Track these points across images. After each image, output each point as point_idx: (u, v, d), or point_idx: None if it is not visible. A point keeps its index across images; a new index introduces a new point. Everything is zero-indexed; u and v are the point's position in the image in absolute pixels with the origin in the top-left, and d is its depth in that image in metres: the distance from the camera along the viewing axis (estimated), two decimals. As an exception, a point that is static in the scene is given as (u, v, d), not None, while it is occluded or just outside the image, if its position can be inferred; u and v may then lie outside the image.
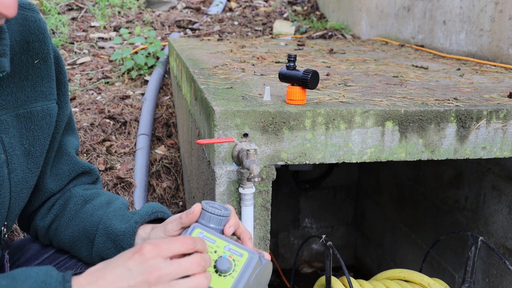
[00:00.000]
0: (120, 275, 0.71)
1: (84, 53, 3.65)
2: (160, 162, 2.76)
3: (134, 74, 3.36)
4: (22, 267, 0.73)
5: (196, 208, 0.86)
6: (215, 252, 0.81)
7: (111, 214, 1.02)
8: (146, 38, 3.73)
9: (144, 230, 0.98)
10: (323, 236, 1.53)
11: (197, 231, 0.84)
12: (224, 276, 0.79)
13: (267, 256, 0.85)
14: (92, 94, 3.15)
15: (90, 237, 1.02)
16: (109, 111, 2.96)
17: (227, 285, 0.78)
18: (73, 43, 3.77)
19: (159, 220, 1.03)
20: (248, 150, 1.23)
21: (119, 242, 0.98)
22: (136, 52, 3.54)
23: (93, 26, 4.11)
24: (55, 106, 1.01)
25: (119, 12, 4.45)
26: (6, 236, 0.99)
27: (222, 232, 0.86)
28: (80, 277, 0.72)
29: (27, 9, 0.96)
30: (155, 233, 0.93)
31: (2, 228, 0.97)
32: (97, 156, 2.63)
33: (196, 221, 0.86)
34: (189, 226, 0.86)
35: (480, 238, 1.58)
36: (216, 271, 0.79)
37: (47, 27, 1.00)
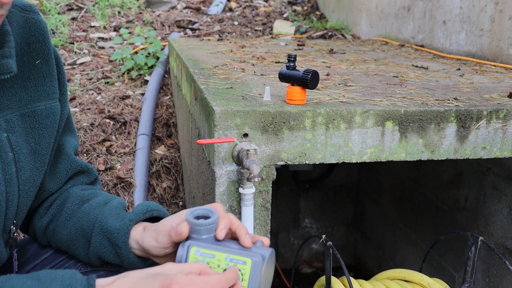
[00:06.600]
0: None
1: (84, 53, 3.65)
2: (160, 162, 2.76)
3: (134, 74, 3.35)
4: (46, 270, 0.73)
5: (184, 229, 0.84)
6: (218, 266, 0.81)
7: (107, 212, 1.02)
8: (146, 38, 3.73)
9: (136, 231, 0.97)
10: (323, 236, 1.53)
11: (193, 250, 0.83)
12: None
13: (266, 241, 0.85)
14: (92, 94, 3.15)
15: (87, 236, 1.02)
16: (109, 111, 2.96)
17: None
18: (73, 43, 3.77)
19: (155, 218, 1.03)
20: (248, 150, 1.23)
21: (114, 240, 0.98)
22: (136, 52, 3.54)
23: (93, 26, 4.11)
24: (58, 105, 1.03)
25: (119, 12, 4.45)
26: (15, 234, 1.00)
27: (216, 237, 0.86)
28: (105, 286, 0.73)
29: (27, 11, 0.98)
30: (147, 238, 0.93)
31: (12, 226, 0.98)
32: (97, 156, 2.63)
33: (188, 237, 0.85)
34: (182, 241, 0.86)
35: (480, 238, 1.58)
36: None
37: (48, 27, 1.02)
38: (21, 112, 0.95)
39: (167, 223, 0.90)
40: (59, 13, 4.21)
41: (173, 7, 4.81)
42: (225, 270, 0.79)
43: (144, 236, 0.94)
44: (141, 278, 0.73)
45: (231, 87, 1.57)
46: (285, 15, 4.75)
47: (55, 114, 1.01)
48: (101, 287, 0.72)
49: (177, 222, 0.88)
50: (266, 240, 0.85)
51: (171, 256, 0.94)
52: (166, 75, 3.43)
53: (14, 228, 0.99)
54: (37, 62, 0.97)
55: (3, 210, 0.92)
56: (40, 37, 0.98)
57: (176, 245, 0.89)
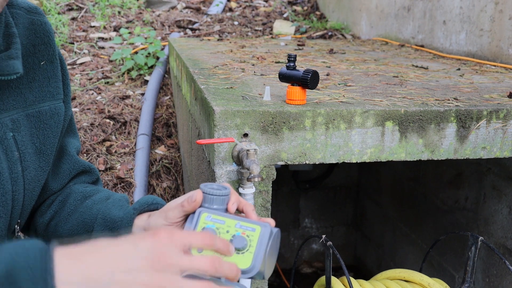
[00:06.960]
0: (123, 251, 0.64)
1: (84, 53, 3.65)
2: (160, 162, 2.76)
3: (134, 74, 3.35)
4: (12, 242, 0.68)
5: (198, 194, 0.85)
6: (227, 232, 0.81)
7: (110, 205, 1.03)
8: (146, 38, 3.73)
9: (141, 219, 0.97)
10: (323, 236, 1.53)
11: (204, 216, 0.84)
12: (242, 253, 0.79)
13: (272, 222, 0.85)
14: (92, 94, 3.15)
15: (88, 229, 1.03)
16: (109, 111, 2.96)
17: (247, 262, 0.78)
18: (73, 43, 3.77)
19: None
20: (248, 150, 1.23)
21: (116, 229, 0.98)
22: (136, 52, 3.54)
23: (93, 26, 4.11)
24: (62, 105, 1.04)
25: (119, 12, 4.45)
26: (18, 233, 1.01)
27: (226, 211, 0.87)
28: (72, 246, 0.65)
29: (33, 13, 0.99)
30: (155, 220, 0.93)
31: (16, 226, 0.98)
32: (97, 156, 2.63)
33: (199, 206, 0.87)
34: (193, 212, 0.86)
35: (480, 238, 1.58)
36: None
37: (52, 29, 1.03)
38: (26, 112, 0.96)
39: (175, 200, 0.91)
40: (59, 13, 4.21)
41: (173, 7, 4.81)
42: (234, 236, 0.80)
43: (150, 220, 0.94)
44: (124, 238, 0.68)
45: (231, 87, 1.57)
46: (285, 15, 4.75)
47: (59, 115, 1.02)
48: (66, 248, 0.64)
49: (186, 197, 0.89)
50: (273, 222, 0.86)
51: None
52: (166, 75, 3.43)
53: (18, 228, 1.00)
54: (42, 63, 0.99)
55: (9, 209, 0.92)
56: (46, 38, 1.00)
57: (185, 220, 0.89)
